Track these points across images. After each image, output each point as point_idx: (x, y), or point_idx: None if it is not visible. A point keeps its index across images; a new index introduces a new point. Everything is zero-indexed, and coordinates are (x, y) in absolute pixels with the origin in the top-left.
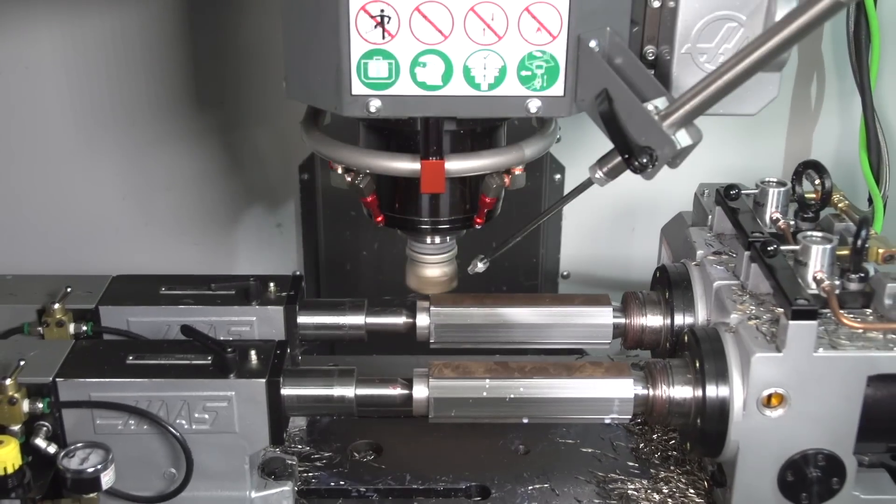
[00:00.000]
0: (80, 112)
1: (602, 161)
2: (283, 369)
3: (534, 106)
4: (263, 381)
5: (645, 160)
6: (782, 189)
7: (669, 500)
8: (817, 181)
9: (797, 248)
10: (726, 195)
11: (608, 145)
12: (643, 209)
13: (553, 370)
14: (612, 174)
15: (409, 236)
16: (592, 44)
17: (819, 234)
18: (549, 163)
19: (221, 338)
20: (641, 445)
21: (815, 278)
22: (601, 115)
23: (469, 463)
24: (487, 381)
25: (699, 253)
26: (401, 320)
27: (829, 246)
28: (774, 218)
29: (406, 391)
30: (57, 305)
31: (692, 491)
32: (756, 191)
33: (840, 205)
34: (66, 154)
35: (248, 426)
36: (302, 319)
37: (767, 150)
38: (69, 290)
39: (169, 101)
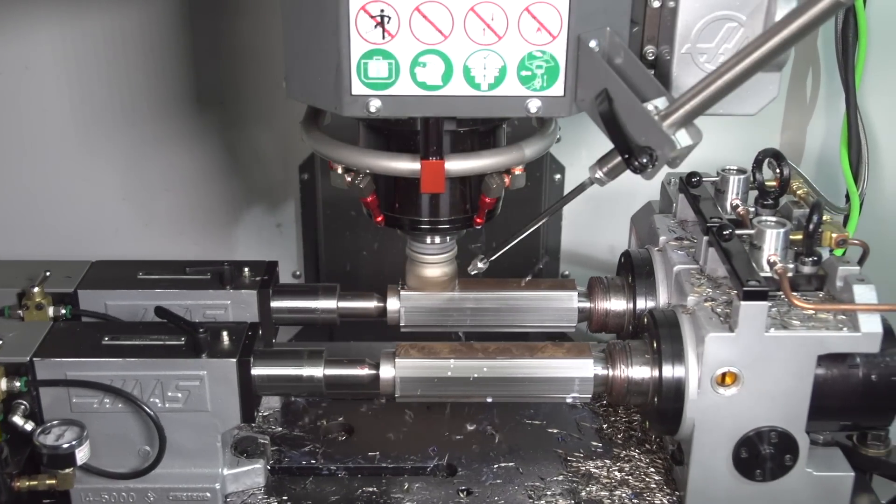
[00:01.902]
0: (80, 112)
1: (602, 161)
2: (253, 350)
3: (534, 106)
4: (234, 360)
5: (645, 160)
6: (742, 176)
7: (630, 477)
8: (777, 169)
9: (752, 232)
10: (688, 182)
11: (608, 145)
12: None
13: (516, 351)
14: (612, 174)
15: (409, 236)
16: (592, 44)
17: (773, 218)
18: (549, 163)
19: (196, 321)
20: (605, 426)
21: (769, 261)
22: (601, 115)
23: (438, 443)
24: (452, 361)
25: (662, 239)
26: (372, 304)
27: (782, 230)
28: (734, 204)
29: (373, 371)
30: (36, 289)
31: (652, 469)
32: (717, 178)
33: (799, 192)
34: (66, 154)
35: (220, 405)
36: (275, 304)
37: (763, 146)
38: (48, 273)
39: (169, 101)
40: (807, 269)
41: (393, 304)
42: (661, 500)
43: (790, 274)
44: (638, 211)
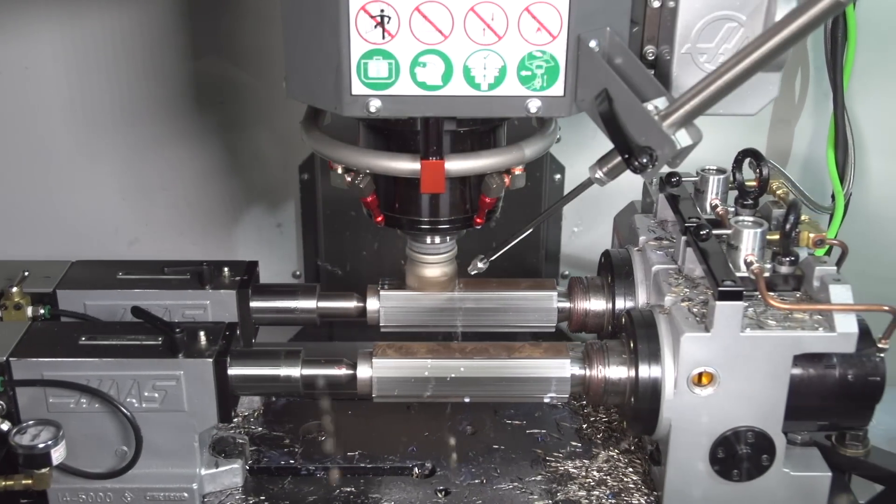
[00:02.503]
0: (80, 112)
1: (602, 161)
2: (231, 350)
3: (534, 106)
4: (210, 360)
5: (645, 160)
6: (721, 176)
7: (608, 477)
8: (756, 169)
9: (730, 232)
10: (668, 182)
11: (608, 145)
12: None
13: (493, 351)
14: (612, 174)
15: (409, 236)
16: (592, 44)
17: (750, 218)
18: (549, 163)
19: (176, 321)
20: (585, 426)
21: (746, 261)
22: (601, 115)
23: (417, 443)
24: (429, 361)
25: (641, 239)
26: (352, 304)
27: (759, 230)
28: (714, 204)
29: (351, 371)
30: (15, 289)
31: (630, 469)
32: (697, 178)
33: (779, 192)
34: (66, 154)
35: (197, 405)
36: (255, 304)
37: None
38: (26, 273)
39: (169, 101)
40: (784, 269)
41: (372, 304)
42: (638, 499)
43: (767, 274)
44: (621, 211)
